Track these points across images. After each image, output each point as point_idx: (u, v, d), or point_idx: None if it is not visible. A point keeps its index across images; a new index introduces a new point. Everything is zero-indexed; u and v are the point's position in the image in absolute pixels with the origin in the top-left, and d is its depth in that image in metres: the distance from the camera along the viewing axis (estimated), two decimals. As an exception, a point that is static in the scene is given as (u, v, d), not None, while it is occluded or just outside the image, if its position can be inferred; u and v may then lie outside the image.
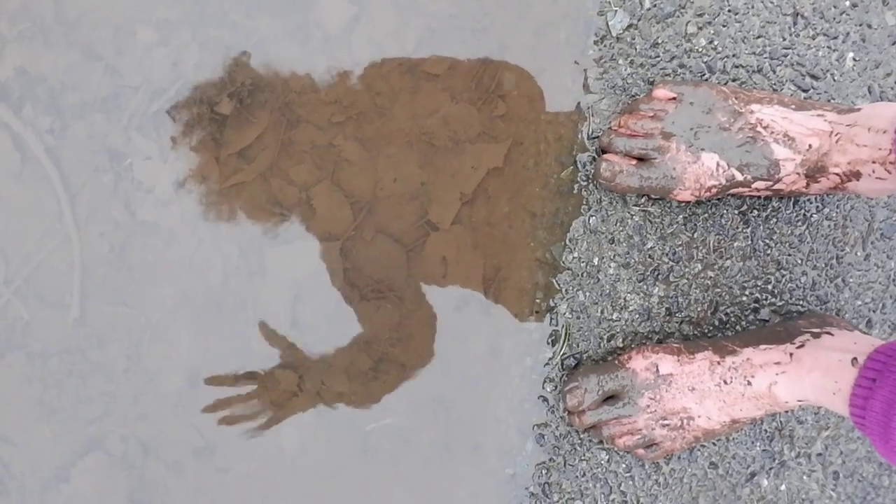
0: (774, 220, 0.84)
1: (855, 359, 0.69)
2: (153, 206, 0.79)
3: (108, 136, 0.78)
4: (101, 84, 0.78)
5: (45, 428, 0.80)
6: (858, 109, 0.73)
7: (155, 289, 0.80)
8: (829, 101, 0.83)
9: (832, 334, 0.76)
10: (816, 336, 0.76)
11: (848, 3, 0.83)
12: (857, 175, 0.72)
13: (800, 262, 0.85)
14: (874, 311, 0.87)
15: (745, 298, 0.84)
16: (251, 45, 0.78)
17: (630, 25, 0.80)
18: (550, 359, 0.82)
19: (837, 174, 0.73)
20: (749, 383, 0.76)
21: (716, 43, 0.81)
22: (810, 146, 0.74)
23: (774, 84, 0.82)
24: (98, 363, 0.80)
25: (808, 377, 0.73)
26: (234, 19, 0.78)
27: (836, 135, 0.73)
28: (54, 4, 0.77)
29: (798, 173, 0.75)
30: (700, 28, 0.81)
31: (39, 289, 0.79)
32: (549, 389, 0.83)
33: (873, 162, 0.70)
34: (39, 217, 0.78)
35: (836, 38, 0.83)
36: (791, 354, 0.75)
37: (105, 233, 0.79)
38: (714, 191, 0.77)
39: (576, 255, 0.82)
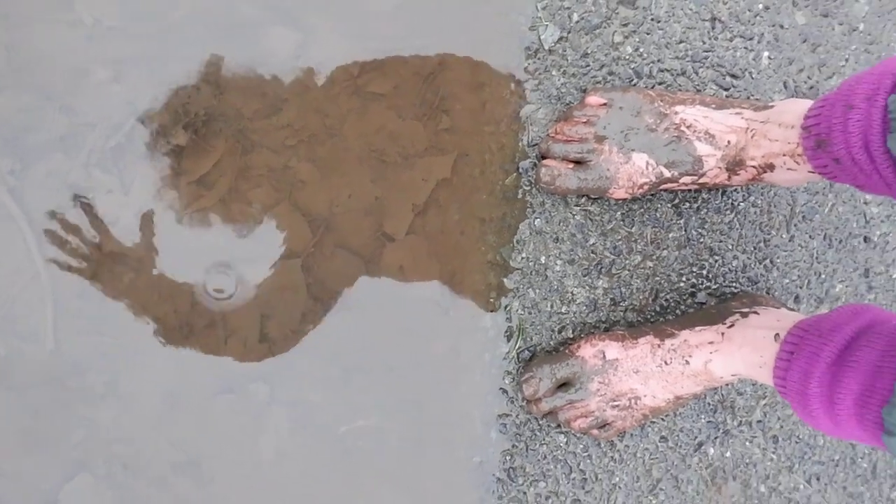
0: (705, 210, 0.91)
1: (777, 334, 0.77)
2: (118, 238, 0.83)
3: (70, 173, 0.81)
4: (58, 123, 0.81)
5: (29, 456, 0.84)
6: (772, 106, 0.80)
7: (126, 316, 0.84)
8: (748, 97, 0.90)
9: (759, 313, 0.84)
10: (745, 316, 0.84)
11: (761, 6, 0.90)
12: (771, 167, 0.79)
13: (730, 247, 0.92)
14: (800, 288, 0.95)
15: (682, 284, 0.91)
16: (202, 77, 0.82)
17: (561, 38, 0.86)
18: (507, 353, 0.89)
19: (754, 167, 0.80)
20: (687, 362, 0.83)
21: (641, 50, 0.87)
22: (729, 142, 0.81)
23: (698, 85, 0.89)
24: (77, 390, 0.84)
25: (739, 353, 0.80)
26: (185, 53, 0.81)
27: (751, 131, 0.79)
28: (6, 50, 0.80)
29: (719, 167, 0.82)
30: (626, 37, 0.87)
31: (14, 324, 0.82)
32: (507, 381, 0.89)
33: (784, 155, 0.77)
34: (7, 255, 0.82)
35: (751, 38, 0.90)
36: (723, 334, 0.82)
37: (73, 266, 0.82)
38: (646, 187, 0.84)
39: (524, 255, 0.88)
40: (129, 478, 0.85)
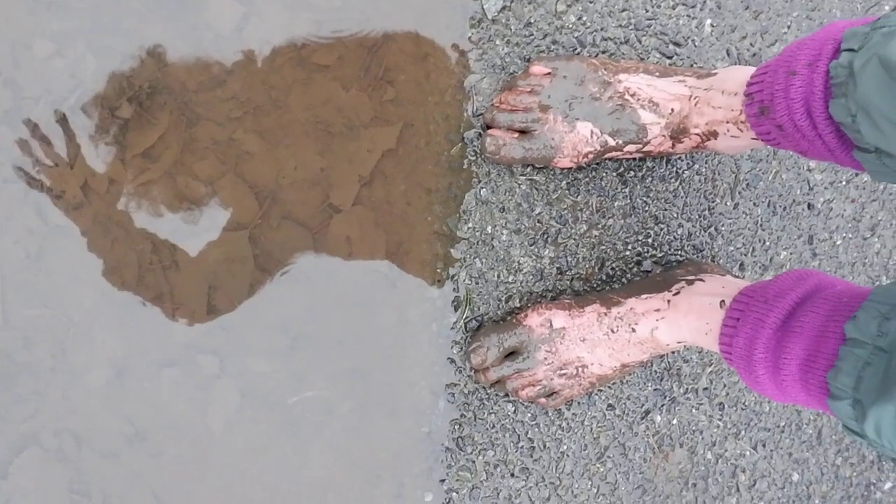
0: (650, 178, 0.91)
1: (723, 301, 0.78)
2: (65, 211, 0.83)
3: (14, 147, 0.81)
4: (2, 97, 0.81)
5: (-21, 430, 0.84)
6: (715, 73, 0.81)
7: (74, 289, 0.84)
8: (691, 65, 0.91)
9: (704, 280, 0.85)
10: (690, 283, 0.85)
11: (703, -26, 0.90)
12: (714, 134, 0.80)
13: (675, 215, 0.93)
14: (745, 255, 0.96)
15: (628, 253, 0.92)
16: (146, 50, 0.82)
17: (504, 7, 0.87)
18: (455, 323, 0.90)
19: (698, 134, 0.81)
20: (633, 330, 0.84)
21: (584, 19, 0.88)
22: (672, 110, 0.81)
23: (641, 53, 0.89)
24: (25, 364, 0.84)
25: (684, 321, 0.81)
26: (127, 26, 0.82)
27: (694, 98, 0.80)
28: (-54, 23, 0.80)
29: (664, 135, 0.83)
30: (569, 6, 0.88)
31: (-40, 298, 0.82)
32: (455, 351, 0.90)
33: (727, 122, 0.78)
34: (-47, 230, 0.82)
35: (694, 6, 0.91)
36: (668, 301, 0.83)
37: (20, 240, 0.83)
38: (591, 156, 0.85)
39: (470, 225, 0.88)
40: (79, 451, 0.86)
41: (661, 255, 0.93)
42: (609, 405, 0.95)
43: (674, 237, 0.94)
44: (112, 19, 0.82)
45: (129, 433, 0.86)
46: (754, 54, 0.93)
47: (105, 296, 0.85)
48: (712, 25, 0.91)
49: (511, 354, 0.87)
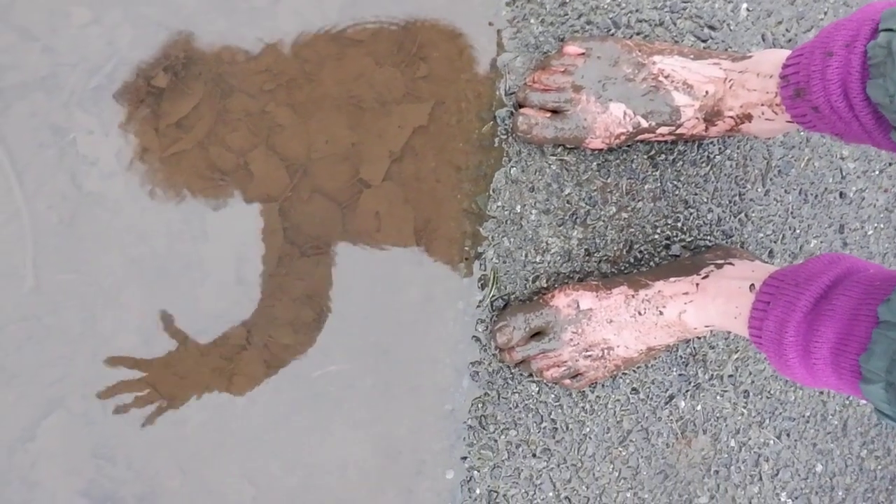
0: (681, 162, 0.91)
1: (752, 285, 0.78)
2: (98, 178, 0.84)
3: (50, 113, 0.83)
4: (40, 64, 0.82)
5: (7, 392, 0.85)
6: (750, 56, 0.81)
7: (105, 256, 0.85)
8: (725, 49, 0.91)
9: (733, 264, 0.84)
10: (719, 267, 0.85)
11: (740, -42, 0.90)
12: (748, 117, 0.80)
13: (705, 200, 0.93)
14: (775, 242, 0.96)
15: (656, 236, 0.92)
16: (182, 20, 0.83)
17: (539, -14, 0.86)
18: (481, 301, 0.90)
19: (732, 117, 0.81)
20: (661, 313, 0.84)
21: (619, 0, 0.87)
22: (707, 92, 0.81)
23: (675, 36, 0.89)
24: (55, 328, 0.85)
25: (713, 304, 0.81)
26: (164, -5, 0.82)
27: (729, 81, 0.80)
28: (-13, -12, 0.81)
29: (697, 118, 0.82)
30: (604, -14, 0.87)
31: (-7, 261, 0.83)
32: (480, 330, 0.90)
33: (762, 105, 0.77)
34: (-12, 193, 0.83)
35: (730, -10, 0.90)
36: (697, 285, 0.83)
37: (53, 205, 0.84)
38: (623, 138, 0.84)
39: (499, 204, 0.89)
40: (105, 416, 0.86)
41: (690, 239, 0.93)
42: (633, 389, 0.95)
43: (703, 222, 0.93)
44: (149, -11, 0.83)
45: (154, 400, 0.87)
46: (790, 40, 0.92)
47: (135, 264, 0.86)
48: (748, 10, 0.91)
49: (537, 335, 0.87)
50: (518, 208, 0.89)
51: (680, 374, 0.96)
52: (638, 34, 0.89)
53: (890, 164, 0.99)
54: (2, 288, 0.85)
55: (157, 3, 0.83)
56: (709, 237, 0.94)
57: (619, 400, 0.95)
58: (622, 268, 0.92)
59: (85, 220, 0.85)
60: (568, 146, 0.89)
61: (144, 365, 0.86)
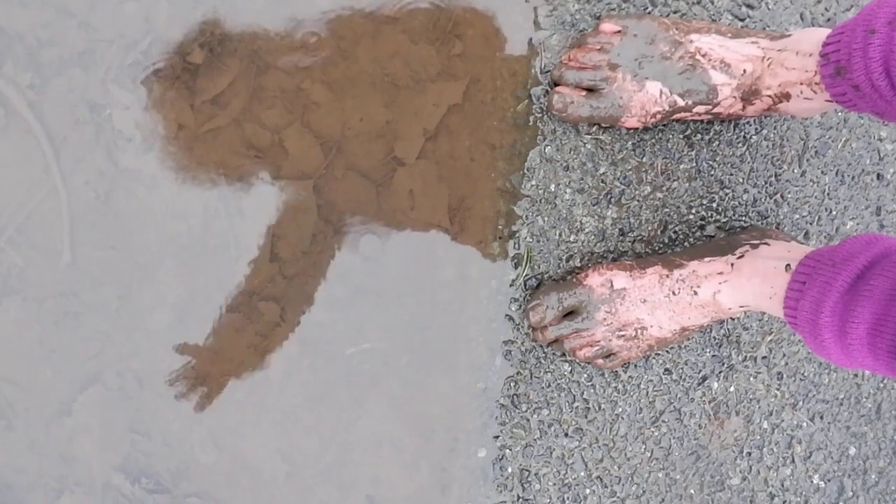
0: (717, 142, 0.91)
1: (788, 265, 0.78)
2: (134, 154, 0.85)
3: (87, 89, 0.84)
4: (77, 39, 0.83)
5: (45, 367, 0.87)
6: (789, 35, 0.81)
7: (141, 233, 0.87)
8: (763, 28, 0.90)
9: (769, 244, 0.85)
10: (755, 247, 0.85)
11: (779, -65, 0.89)
12: (787, 96, 0.80)
13: (741, 180, 0.93)
14: (811, 224, 0.96)
15: (691, 216, 0.92)
16: (218, -3, 0.83)
17: (576, -36, 0.86)
18: (514, 280, 0.91)
19: (770, 96, 0.81)
20: (695, 293, 0.84)
21: (657, -23, 0.87)
22: (745, 71, 0.81)
23: (713, 15, 0.89)
24: (91, 304, 0.87)
25: (748, 284, 0.81)
26: (201, -28, 0.83)
27: (767, 59, 0.80)
28: (27, -35, 0.82)
29: (734, 97, 0.83)
30: (642, -36, 0.87)
31: (31, 237, 0.85)
32: (514, 309, 0.91)
33: (801, 83, 0.77)
34: (26, 169, 0.84)
35: (768, -32, 0.90)
36: (732, 265, 0.83)
37: (90, 181, 0.85)
38: (659, 117, 0.85)
39: (534, 182, 0.89)
40: (141, 392, 0.88)
41: (724, 220, 0.93)
42: (666, 369, 0.95)
43: (738, 202, 0.93)
44: (186, -35, 0.83)
45: (189, 377, 0.88)
46: (829, 19, 0.92)
47: (171, 240, 0.87)
48: (787, -12, 0.91)
49: (570, 314, 0.88)
50: (552, 187, 0.90)
51: (713, 356, 0.96)
52: (675, 13, 0.89)
53: (928, 146, 0.99)
54: (40, 263, 0.86)
55: (194, -21, 0.84)
56: (744, 218, 0.94)
57: (651, 380, 0.95)
58: (656, 248, 0.93)
59: (121, 197, 0.86)
60: (603, 125, 0.89)
61: (181, 342, 0.88)
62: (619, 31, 0.84)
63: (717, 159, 0.92)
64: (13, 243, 0.86)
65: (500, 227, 0.90)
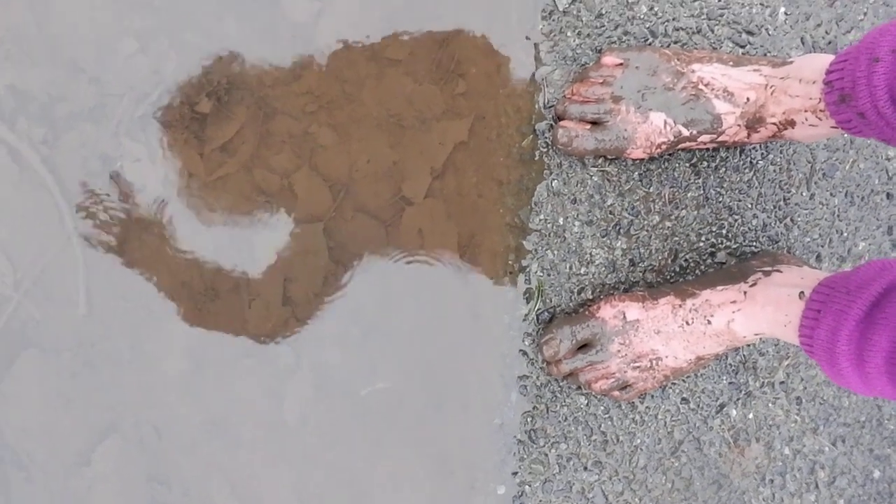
0: (723, 169, 0.92)
1: (802, 292, 0.78)
2: (146, 205, 0.86)
3: (99, 142, 0.85)
4: (88, 94, 0.85)
5: (63, 418, 0.87)
6: (791, 62, 0.81)
7: (153, 281, 0.87)
8: (765, 54, 0.91)
9: (781, 271, 0.84)
10: (767, 274, 0.85)
11: (776, -38, 0.90)
12: (791, 123, 0.80)
13: (750, 206, 0.93)
14: (822, 247, 0.95)
15: (702, 244, 0.92)
16: (223, 46, 0.85)
17: (575, -1, 0.88)
18: (526, 315, 0.91)
19: (774, 123, 0.81)
20: (709, 322, 0.84)
21: (656, 9, 0.89)
22: (748, 99, 0.82)
23: (714, 43, 0.90)
24: (107, 354, 0.87)
25: (762, 312, 0.81)
26: (205, 24, 0.85)
27: (770, 87, 0.80)
28: (36, 24, 0.84)
29: (739, 125, 0.83)
30: (640, -4, 0.88)
31: (48, 289, 0.86)
32: (527, 343, 0.91)
33: (805, 111, 0.78)
34: (41, 223, 0.86)
35: (767, -5, 0.90)
36: (745, 293, 0.83)
37: (103, 232, 0.86)
38: (664, 147, 0.85)
39: (542, 217, 0.89)
40: (159, 441, 0.88)
41: (735, 246, 0.93)
42: (683, 399, 0.95)
43: (748, 228, 0.93)
44: (190, 17, 0.85)
45: (206, 423, 0.89)
46: (829, 42, 0.92)
47: (183, 287, 0.88)
48: (786, 13, 0.91)
49: (584, 347, 0.88)
50: (561, 220, 0.90)
51: (730, 383, 0.96)
52: (675, 43, 0.89)
53: (937, 164, 0.98)
54: (56, 315, 0.87)
55: (200, 31, 0.85)
56: (754, 243, 0.94)
57: (669, 410, 0.95)
58: (668, 277, 0.93)
59: (134, 247, 0.87)
60: (609, 157, 0.90)
61: (196, 389, 0.88)
62: (621, 64, 0.85)
63: (725, 186, 0.93)
64: (30, 296, 0.87)
65: (510, 262, 0.91)
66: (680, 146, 0.86)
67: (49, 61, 0.85)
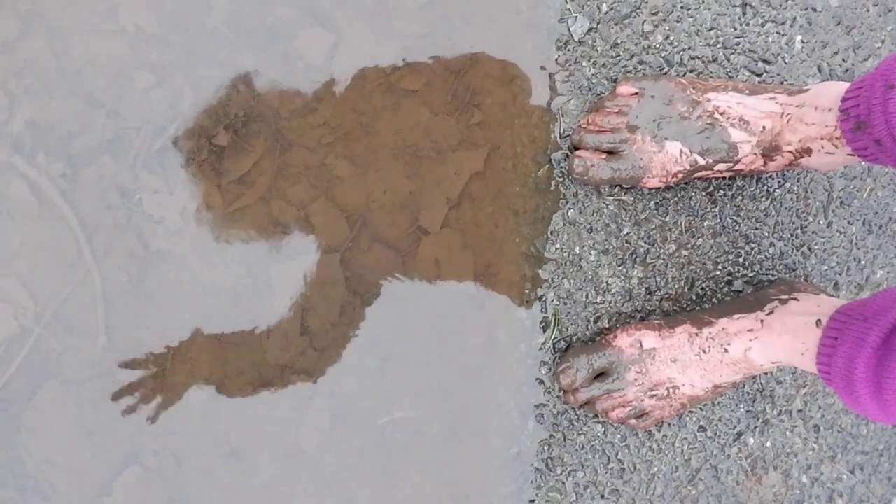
0: (740, 197, 0.92)
1: (819, 320, 0.78)
2: (164, 236, 0.87)
3: (117, 175, 0.86)
4: (106, 128, 0.86)
5: (85, 449, 0.88)
6: (807, 90, 0.81)
7: (173, 312, 0.88)
8: (781, 83, 0.91)
9: (798, 300, 0.84)
10: (784, 302, 0.85)
11: (792, -10, 0.90)
12: (808, 151, 0.80)
13: (767, 234, 0.93)
14: (839, 275, 0.95)
15: (718, 272, 0.92)
16: (240, 80, 0.86)
17: (590, 29, 0.88)
18: (543, 344, 0.91)
19: (790, 152, 0.81)
20: (726, 350, 0.84)
21: (671, 38, 0.89)
22: (764, 128, 0.82)
23: (730, 71, 0.90)
24: (127, 383, 0.88)
25: (779, 341, 0.81)
26: (222, 58, 0.86)
27: (786, 115, 0.80)
28: (55, 59, 0.85)
29: (755, 153, 0.83)
30: (656, 26, 0.89)
31: (68, 321, 0.87)
32: (544, 372, 0.91)
33: (822, 139, 0.78)
34: (61, 256, 0.87)
35: (783, 23, 0.91)
36: (762, 321, 0.83)
37: (122, 265, 0.87)
38: (680, 176, 0.85)
39: (558, 246, 0.90)
40: (178, 470, 0.89)
41: (752, 274, 0.93)
42: (700, 427, 0.95)
43: (765, 256, 0.93)
44: (207, 51, 0.86)
45: (225, 452, 0.90)
46: (847, 70, 0.92)
47: (202, 318, 0.88)
48: (803, 42, 0.91)
49: (600, 375, 0.88)
50: (577, 250, 0.91)
51: (748, 411, 0.96)
52: (691, 72, 0.90)
53: (955, 189, 0.98)
54: (77, 347, 0.88)
55: (216, 65, 0.86)
56: (771, 272, 0.94)
57: (686, 438, 0.95)
58: (684, 305, 0.93)
59: (153, 278, 0.88)
60: (625, 186, 0.90)
61: (215, 418, 0.89)
62: (637, 93, 0.85)
63: (742, 214, 0.93)
64: (51, 328, 0.88)
65: (526, 291, 0.91)
66: (696, 175, 0.86)
67: (67, 95, 0.86)
